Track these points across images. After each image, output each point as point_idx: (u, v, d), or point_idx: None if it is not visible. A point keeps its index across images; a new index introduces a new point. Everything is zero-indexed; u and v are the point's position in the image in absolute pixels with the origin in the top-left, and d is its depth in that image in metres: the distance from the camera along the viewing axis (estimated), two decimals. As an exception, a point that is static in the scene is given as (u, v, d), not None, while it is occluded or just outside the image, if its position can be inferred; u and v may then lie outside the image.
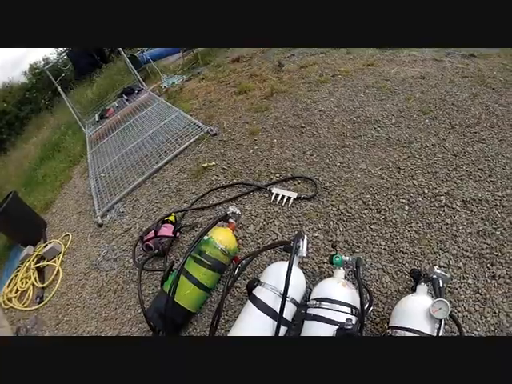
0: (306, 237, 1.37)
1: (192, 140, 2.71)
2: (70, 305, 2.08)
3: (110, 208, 2.61)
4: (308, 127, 2.41)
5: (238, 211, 1.71)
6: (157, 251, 1.94)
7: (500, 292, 1.39)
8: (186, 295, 1.51)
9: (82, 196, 3.20)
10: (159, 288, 1.68)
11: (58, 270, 2.37)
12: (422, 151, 2.02)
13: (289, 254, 1.36)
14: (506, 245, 1.53)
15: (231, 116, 2.87)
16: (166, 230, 1.96)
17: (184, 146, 2.68)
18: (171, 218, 2.04)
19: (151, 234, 1.95)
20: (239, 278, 1.63)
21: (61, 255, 2.49)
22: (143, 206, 2.43)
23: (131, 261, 2.03)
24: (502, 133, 2.06)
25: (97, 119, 4.56)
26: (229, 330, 1.29)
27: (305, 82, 3.07)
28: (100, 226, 2.54)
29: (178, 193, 2.30)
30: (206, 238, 1.59)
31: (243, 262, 1.49)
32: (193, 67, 5.04)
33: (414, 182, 1.86)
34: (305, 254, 1.35)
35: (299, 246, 1.34)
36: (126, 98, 4.63)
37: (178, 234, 1.99)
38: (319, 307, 1.18)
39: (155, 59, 5.46)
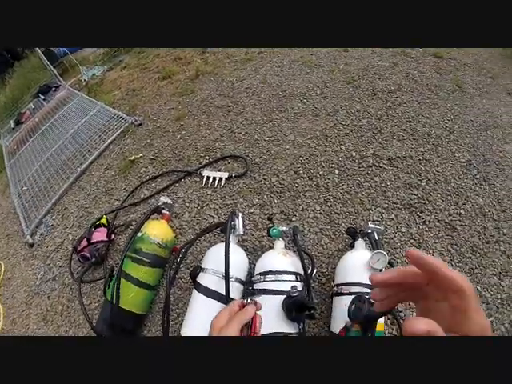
0: (240, 214, 1.36)
1: (116, 134, 2.52)
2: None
3: (38, 224, 2.38)
4: (235, 106, 2.36)
5: (169, 201, 1.65)
6: (94, 259, 1.81)
7: (431, 235, 1.55)
8: (131, 298, 1.44)
9: (6, 217, 2.85)
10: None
11: None
12: (348, 118, 2.11)
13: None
14: (431, 193, 1.68)
15: (156, 103, 2.71)
16: (99, 235, 1.84)
17: (108, 142, 2.48)
18: (103, 221, 1.91)
19: (84, 242, 1.82)
20: (183, 268, 1.60)
21: (-3, 289, 2.24)
22: (73, 214, 2.24)
23: (70, 276, 1.88)
24: (420, 96, 2.25)
25: (12, 126, 4.02)
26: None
27: (230, 62, 2.99)
28: (31, 245, 2.30)
29: (107, 193, 2.16)
30: (139, 234, 1.52)
31: (182, 250, 1.45)
32: (114, 56, 4.62)
33: (342, 147, 1.94)
34: (242, 232, 1.34)
35: (234, 225, 1.33)
36: (42, 97, 4.12)
37: (112, 236, 1.87)
38: (264, 281, 1.20)
39: (73, 51, 4.90)
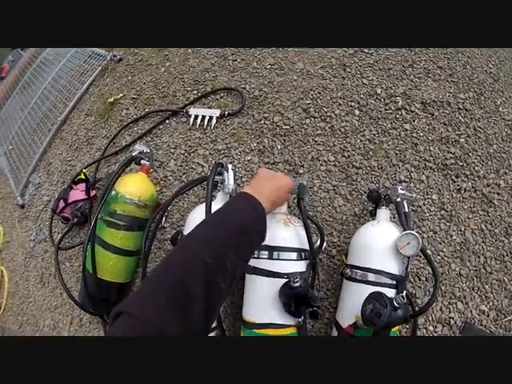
0: (230, 166, 1.03)
1: (95, 74, 2.16)
2: (24, 303, 1.89)
3: (26, 183, 2.23)
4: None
5: (145, 149, 1.34)
6: (76, 220, 1.60)
7: (465, 207, 1.25)
8: (110, 267, 1.24)
9: (-1, 179, 2.74)
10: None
11: (2, 271, 2.10)
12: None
13: (217, 191, 1.06)
14: (470, 154, 1.34)
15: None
16: (77, 193, 1.60)
17: (87, 84, 2.15)
18: (82, 176, 1.66)
19: (62, 203, 1.59)
20: (168, 229, 1.35)
21: (-1, 253, 2.19)
22: (57, 169, 2.03)
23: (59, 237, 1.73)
24: None
25: (-8, 83, 3.74)
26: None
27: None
28: (22, 206, 2.19)
29: (88, 142, 1.89)
30: (113, 193, 1.25)
31: (157, 216, 1.18)
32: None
33: (364, 80, 1.51)
34: (232, 189, 1.02)
35: (223, 180, 1.01)
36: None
37: (94, 192, 1.63)
38: (259, 257, 0.92)
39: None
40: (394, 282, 0.85)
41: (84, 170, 1.67)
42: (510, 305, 1.15)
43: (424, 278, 1.14)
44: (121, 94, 1.86)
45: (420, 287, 1.13)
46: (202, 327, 0.46)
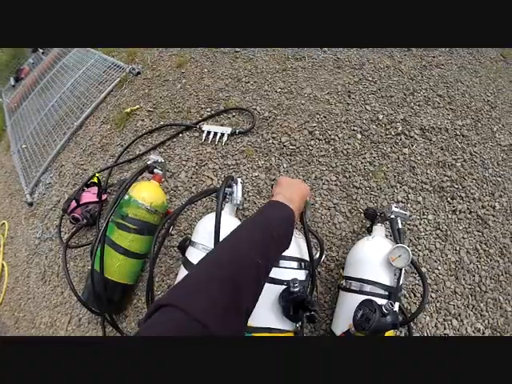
0: (239, 180, 1.11)
1: (114, 84, 2.27)
2: (22, 299, 1.91)
3: (36, 182, 2.28)
4: (243, 51, 2.02)
5: (160, 159, 1.42)
6: (85, 221, 1.67)
7: (461, 228, 1.31)
8: (117, 268, 1.30)
9: (10, 175, 2.78)
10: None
11: (3, 265, 2.13)
12: (375, 74, 1.77)
13: (225, 203, 1.13)
14: (466, 177, 1.42)
15: (156, 48, 2.39)
16: (89, 196, 1.67)
17: (105, 93, 2.25)
18: (95, 180, 1.73)
19: (73, 203, 1.66)
20: (176, 236, 1.42)
21: (1, 248, 2.21)
22: (69, 171, 2.10)
23: (66, 237, 1.79)
24: (461, 60, 1.87)
25: (12, 83, 3.84)
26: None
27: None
28: (30, 204, 2.23)
29: (102, 148, 1.97)
30: (126, 197, 1.33)
31: (168, 221, 1.25)
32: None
33: (367, 107, 1.63)
34: (239, 201, 1.10)
35: (232, 193, 1.09)
36: (41, 50, 3.88)
37: (105, 196, 1.70)
38: None
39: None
40: (387, 293, 0.92)
41: (97, 174, 1.75)
42: (506, 324, 1.17)
43: (419, 295, 1.19)
44: (137, 106, 1.97)
45: (415, 303, 1.18)
46: (243, 327, 0.46)
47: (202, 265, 0.50)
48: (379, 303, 0.84)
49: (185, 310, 0.37)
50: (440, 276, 1.23)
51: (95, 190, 1.71)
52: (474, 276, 1.23)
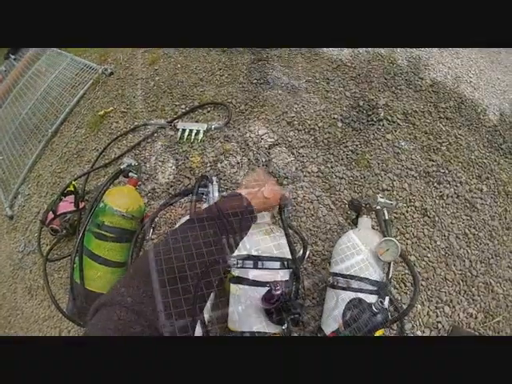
0: (215, 178, 1.06)
1: (86, 87, 2.19)
2: (11, 315, 1.86)
3: (15, 194, 2.22)
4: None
5: (134, 162, 1.37)
6: (65, 231, 1.61)
7: (449, 213, 1.28)
8: (98, 279, 1.25)
9: (-12, 190, 2.72)
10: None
11: None
12: (355, 59, 1.71)
13: (202, 203, 1.08)
14: (452, 161, 1.39)
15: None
16: (66, 205, 1.61)
17: (78, 97, 2.17)
18: (71, 188, 1.67)
19: (51, 214, 1.60)
20: (155, 240, 1.37)
21: (-15, 264, 2.16)
22: (46, 180, 2.04)
23: (48, 248, 1.74)
24: None
25: (-15, 94, 3.72)
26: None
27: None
28: (11, 218, 2.17)
29: (78, 154, 1.91)
30: (101, 205, 1.27)
31: (143, 229, 1.21)
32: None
33: (347, 93, 1.58)
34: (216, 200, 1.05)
35: (208, 192, 1.04)
36: (13, 57, 3.73)
37: (83, 203, 1.65)
38: (242, 267, 0.93)
39: None
40: (376, 288, 0.87)
41: (73, 182, 1.69)
42: (498, 306, 1.16)
43: (409, 284, 1.16)
44: (111, 108, 1.90)
45: (406, 293, 1.15)
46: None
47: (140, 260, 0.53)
48: (368, 301, 0.80)
49: (121, 304, 0.41)
50: (430, 263, 1.20)
51: (72, 198, 1.65)
52: (464, 261, 1.21)
